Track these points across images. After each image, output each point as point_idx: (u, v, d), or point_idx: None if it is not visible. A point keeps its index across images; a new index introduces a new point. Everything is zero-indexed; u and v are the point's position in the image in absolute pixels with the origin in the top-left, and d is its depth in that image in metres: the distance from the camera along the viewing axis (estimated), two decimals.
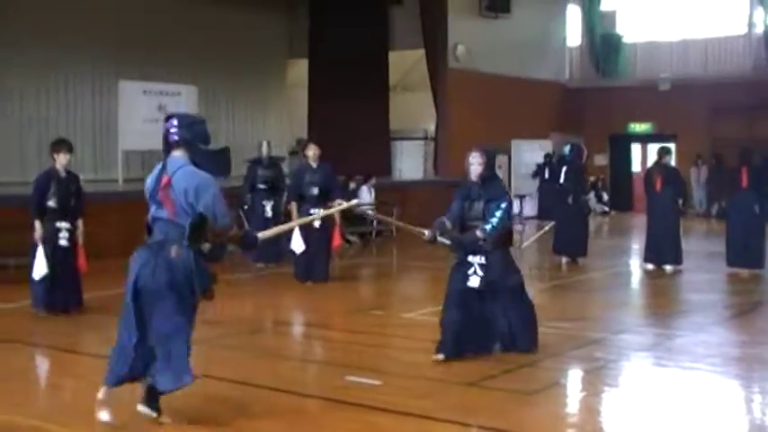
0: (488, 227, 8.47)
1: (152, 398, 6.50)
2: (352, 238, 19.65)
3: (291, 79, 29.80)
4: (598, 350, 9.29)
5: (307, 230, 13.12)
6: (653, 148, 28.32)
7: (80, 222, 11.06)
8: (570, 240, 16.28)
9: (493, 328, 8.70)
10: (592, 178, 25.68)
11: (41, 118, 22.50)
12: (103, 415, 6.46)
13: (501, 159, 26.30)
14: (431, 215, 21.39)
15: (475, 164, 8.99)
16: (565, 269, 15.93)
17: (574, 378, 8.58)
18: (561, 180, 16.36)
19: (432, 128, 26.39)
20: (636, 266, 16.64)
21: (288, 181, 15.63)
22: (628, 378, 8.52)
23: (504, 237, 8.80)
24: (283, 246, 13.97)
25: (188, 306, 6.60)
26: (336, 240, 13.59)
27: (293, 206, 13.59)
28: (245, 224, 15.79)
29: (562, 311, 11.76)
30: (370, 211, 8.04)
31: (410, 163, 27.18)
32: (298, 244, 13.19)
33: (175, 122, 6.60)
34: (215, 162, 6.67)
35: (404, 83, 29.22)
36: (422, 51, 25.44)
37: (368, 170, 21.50)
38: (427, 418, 6.69)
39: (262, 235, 7.03)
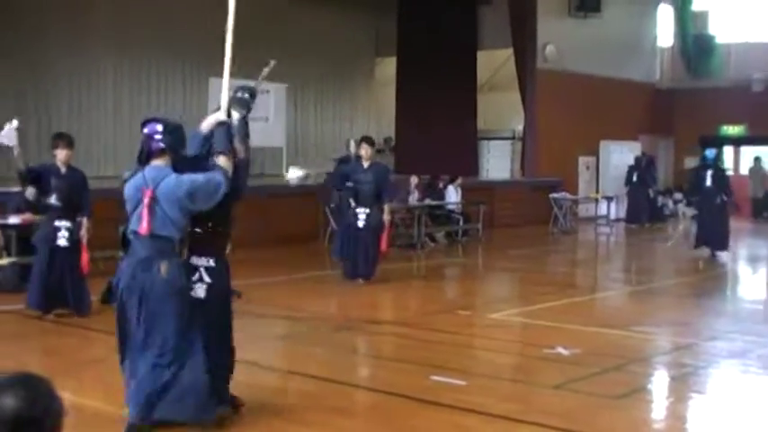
0: None
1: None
2: (439, 237, 19.65)
3: (379, 78, 29.91)
4: (687, 356, 9.15)
5: (354, 229, 13.16)
6: (746, 151, 27.93)
7: (85, 221, 10.54)
8: (714, 235, 16.98)
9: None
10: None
11: (134, 113, 22.90)
12: None
13: (589, 160, 26.13)
14: (519, 215, 21.31)
15: None
16: (702, 265, 16.13)
17: (660, 384, 8.46)
18: (708, 183, 17.09)
19: (519, 128, 26.24)
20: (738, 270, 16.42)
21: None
22: (716, 385, 8.36)
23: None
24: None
25: (184, 321, 6.06)
26: (384, 245, 13.36)
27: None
28: (332, 223, 15.88)
29: (651, 316, 11.63)
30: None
31: (497, 163, 27.07)
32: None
33: (159, 128, 6.10)
34: (196, 168, 6.18)
35: (492, 82, 29.10)
36: (510, 51, 25.30)
37: (454, 169, 21.45)
38: (514, 421, 6.64)
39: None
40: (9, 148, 10.29)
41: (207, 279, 6.39)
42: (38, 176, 10.36)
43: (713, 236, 16.95)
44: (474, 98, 26.76)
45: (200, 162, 6.28)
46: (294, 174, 13.13)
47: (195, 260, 6.38)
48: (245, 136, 6.74)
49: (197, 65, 23.53)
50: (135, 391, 5.98)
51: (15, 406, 2.62)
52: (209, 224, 6.43)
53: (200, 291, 6.35)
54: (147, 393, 5.94)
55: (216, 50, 21.93)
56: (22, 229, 12.23)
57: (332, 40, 26.82)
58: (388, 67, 29.19)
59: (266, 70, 7.25)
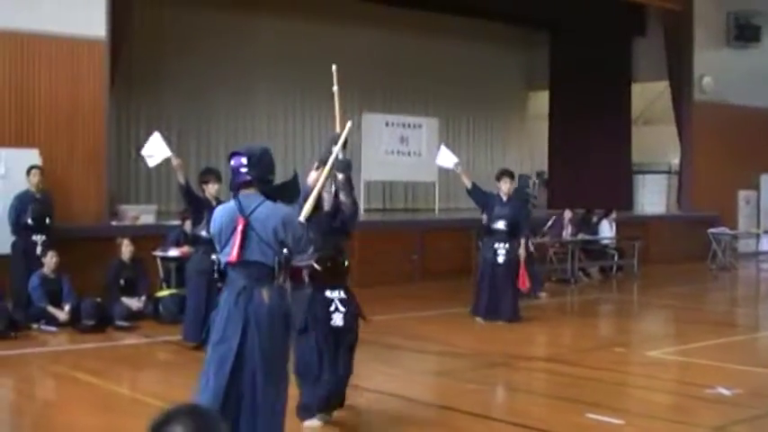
0: None
1: None
2: (592, 272, 19.39)
3: (532, 111, 29.82)
4: None
5: (492, 267, 12.95)
6: None
7: None
8: None
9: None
10: None
11: (288, 148, 23.41)
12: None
13: (749, 194, 25.37)
14: (675, 251, 20.85)
15: None
16: None
17: None
18: None
19: (675, 161, 25.69)
20: None
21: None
22: None
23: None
24: None
25: (286, 349, 6.14)
26: (523, 282, 13.05)
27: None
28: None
29: None
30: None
31: (652, 197, 26.51)
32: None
33: (244, 161, 6.06)
34: (286, 191, 6.47)
35: (646, 115, 28.62)
36: (665, 83, 24.85)
37: (608, 203, 21.15)
38: None
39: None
40: (167, 161, 10.65)
41: (341, 308, 7.33)
42: (196, 200, 10.66)
43: None
44: (628, 131, 26.35)
45: (288, 186, 6.66)
46: (445, 157, 12.94)
47: (329, 293, 7.34)
48: (351, 190, 7.70)
49: (350, 100, 23.91)
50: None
51: None
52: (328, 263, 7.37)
53: (337, 320, 7.30)
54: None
55: (368, 86, 22.42)
56: (181, 262, 12.63)
57: (484, 75, 26.89)
58: (540, 101, 29.07)
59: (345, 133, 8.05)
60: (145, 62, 20.39)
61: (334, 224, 7.53)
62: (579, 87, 25.65)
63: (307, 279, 7.34)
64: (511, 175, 13.38)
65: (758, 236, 23.86)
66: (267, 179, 6.10)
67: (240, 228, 5.94)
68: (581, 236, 19.25)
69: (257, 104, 22.75)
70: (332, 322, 7.29)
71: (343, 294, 7.40)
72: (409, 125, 23.09)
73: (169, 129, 20.07)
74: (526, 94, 29.64)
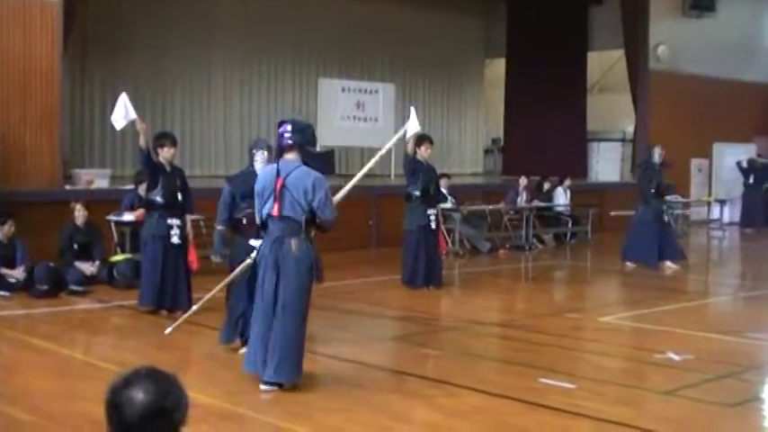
0: None
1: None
2: (547, 239, 19.53)
3: (489, 78, 29.87)
4: None
5: (426, 233, 12.91)
6: None
7: (188, 218, 10.87)
8: None
9: None
10: None
11: (244, 113, 23.26)
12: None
13: (701, 163, 25.64)
14: (628, 218, 21.08)
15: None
16: None
17: None
18: None
19: (630, 129, 25.87)
20: None
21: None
22: None
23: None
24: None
25: (300, 296, 7.27)
26: (442, 246, 13.35)
27: None
28: None
29: (767, 322, 11.41)
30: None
31: (607, 165, 26.68)
32: None
33: (289, 128, 7.30)
34: (323, 162, 7.74)
35: (602, 83, 28.78)
36: (621, 52, 24.98)
37: (563, 171, 21.28)
38: (625, 426, 6.58)
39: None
40: (130, 123, 10.56)
41: None
42: (154, 165, 10.57)
43: None
44: (584, 99, 26.48)
45: (325, 156, 7.41)
46: (414, 124, 12.74)
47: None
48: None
49: (306, 66, 23.81)
50: (281, 354, 7.17)
51: (146, 399, 2.71)
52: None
53: None
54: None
55: (325, 52, 22.24)
56: (136, 227, 12.55)
57: (441, 41, 26.83)
58: (497, 68, 29.12)
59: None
60: (100, 24, 20.10)
61: None
62: (536, 55, 25.71)
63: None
64: (431, 140, 13.28)
65: (709, 204, 24.13)
66: (305, 147, 7.30)
67: (277, 187, 7.15)
68: (536, 203, 19.37)
69: (214, 69, 22.52)
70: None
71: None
72: (366, 91, 23.04)
73: (125, 92, 19.82)
74: (483, 61, 29.64)
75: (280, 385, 7.23)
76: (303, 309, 7.28)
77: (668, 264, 15.44)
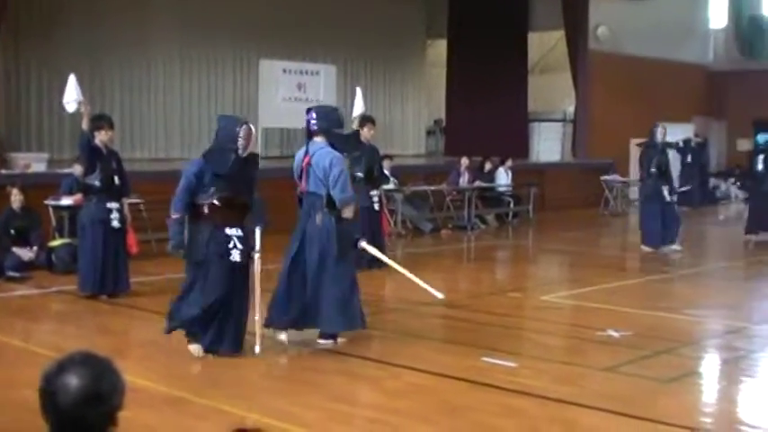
0: None
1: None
2: (489, 219, 19.64)
3: (431, 58, 29.89)
4: (738, 340, 9.10)
5: (369, 213, 12.52)
6: None
7: (125, 202, 10.81)
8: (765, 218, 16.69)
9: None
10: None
11: (184, 95, 23.04)
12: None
13: (641, 142, 25.86)
14: (569, 198, 21.26)
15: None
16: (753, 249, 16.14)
17: (712, 367, 8.44)
18: (760, 167, 16.83)
19: (570, 110, 26.06)
20: None
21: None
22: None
23: None
24: None
25: (333, 262, 8.04)
26: (386, 227, 13.44)
27: None
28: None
29: (703, 299, 11.58)
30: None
31: (548, 145, 26.89)
32: None
33: (314, 115, 8.23)
34: (346, 143, 8.64)
35: (543, 64, 28.94)
36: (562, 32, 25.15)
37: (505, 151, 21.40)
38: (566, 403, 6.65)
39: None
40: (78, 105, 10.42)
41: (239, 245, 7.77)
42: (92, 149, 10.43)
43: (765, 220, 16.75)
44: (525, 80, 26.64)
45: (348, 137, 9.13)
46: (359, 104, 12.57)
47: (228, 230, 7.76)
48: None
49: (247, 47, 23.63)
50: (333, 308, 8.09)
51: (81, 384, 2.68)
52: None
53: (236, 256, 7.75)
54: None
55: (266, 33, 22.06)
56: (74, 211, 12.38)
57: (382, 22, 26.76)
58: (439, 49, 29.15)
59: None
60: (35, 6, 19.79)
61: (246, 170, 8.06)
62: (477, 36, 25.80)
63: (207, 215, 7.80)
64: (374, 121, 13.19)
65: None
66: (330, 130, 8.18)
67: (304, 165, 8.13)
68: (478, 183, 19.46)
69: (153, 51, 22.26)
70: (230, 258, 7.69)
71: (240, 232, 7.79)
72: (307, 72, 22.90)
73: (61, 76, 19.52)
74: (425, 42, 29.64)
75: (333, 337, 8.23)
76: (339, 272, 8.05)
77: (674, 247, 15.44)
